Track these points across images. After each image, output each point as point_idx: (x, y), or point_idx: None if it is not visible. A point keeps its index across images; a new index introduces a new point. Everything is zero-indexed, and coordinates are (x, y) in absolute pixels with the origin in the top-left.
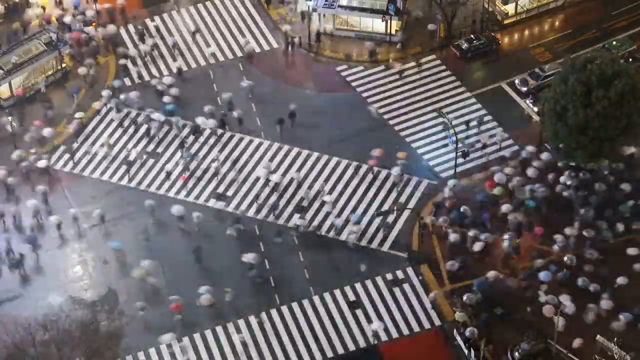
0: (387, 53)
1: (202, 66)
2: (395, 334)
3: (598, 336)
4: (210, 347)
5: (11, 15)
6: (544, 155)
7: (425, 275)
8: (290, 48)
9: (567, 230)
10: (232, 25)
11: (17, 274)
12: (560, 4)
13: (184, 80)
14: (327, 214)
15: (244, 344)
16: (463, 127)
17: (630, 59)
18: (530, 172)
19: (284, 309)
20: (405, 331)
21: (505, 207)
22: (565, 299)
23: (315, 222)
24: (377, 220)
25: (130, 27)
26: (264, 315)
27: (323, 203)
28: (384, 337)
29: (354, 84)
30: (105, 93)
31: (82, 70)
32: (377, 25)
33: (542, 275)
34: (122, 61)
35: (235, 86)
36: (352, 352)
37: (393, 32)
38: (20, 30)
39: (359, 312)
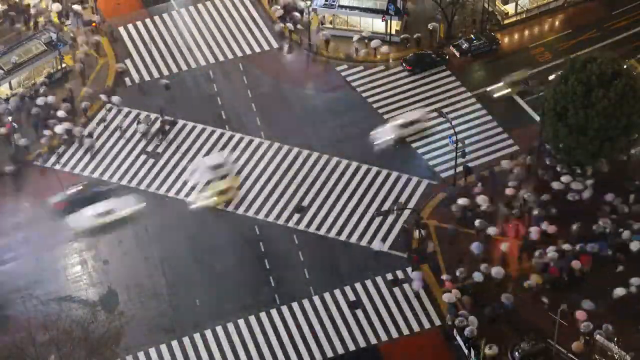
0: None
1: (202, 66)
2: (395, 334)
3: (598, 336)
4: (210, 347)
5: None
6: None
7: (426, 275)
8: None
9: None
10: (232, 25)
11: None
12: (560, 4)
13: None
14: (327, 214)
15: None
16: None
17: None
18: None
19: (284, 309)
20: (405, 331)
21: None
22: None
23: (316, 222)
24: (378, 220)
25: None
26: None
27: (323, 203)
28: (383, 336)
29: (354, 83)
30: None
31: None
32: (377, 25)
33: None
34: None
35: (236, 86)
36: (352, 352)
37: (393, 32)
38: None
39: (359, 312)
